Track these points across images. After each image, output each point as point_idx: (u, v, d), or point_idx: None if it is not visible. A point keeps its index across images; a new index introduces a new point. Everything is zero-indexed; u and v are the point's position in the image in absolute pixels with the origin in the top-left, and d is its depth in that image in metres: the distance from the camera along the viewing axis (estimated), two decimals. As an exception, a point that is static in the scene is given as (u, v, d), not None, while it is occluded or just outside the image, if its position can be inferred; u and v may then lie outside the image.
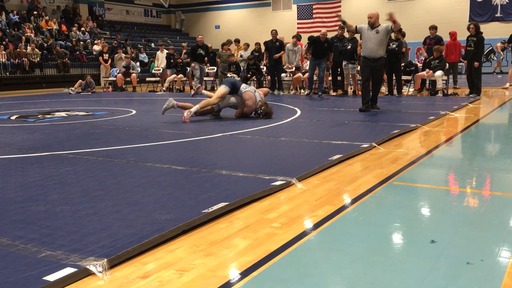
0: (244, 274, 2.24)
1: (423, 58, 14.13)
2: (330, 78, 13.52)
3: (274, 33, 13.68)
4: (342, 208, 3.20)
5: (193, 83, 15.44)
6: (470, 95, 11.57)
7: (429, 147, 5.31)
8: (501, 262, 2.32)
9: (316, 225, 2.88)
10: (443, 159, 4.84)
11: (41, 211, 3.10)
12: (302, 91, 14.05)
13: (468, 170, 4.40)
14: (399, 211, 3.16)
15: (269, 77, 14.42)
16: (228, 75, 15.11)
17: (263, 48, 15.07)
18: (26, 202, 3.31)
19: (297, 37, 14.44)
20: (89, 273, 2.22)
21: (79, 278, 2.19)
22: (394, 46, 11.70)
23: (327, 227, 2.86)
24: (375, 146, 5.32)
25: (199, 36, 15.27)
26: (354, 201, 3.36)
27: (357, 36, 12.46)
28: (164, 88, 16.08)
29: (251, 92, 7.84)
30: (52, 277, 2.12)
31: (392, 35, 10.80)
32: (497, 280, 2.13)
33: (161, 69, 16.71)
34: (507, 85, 14.27)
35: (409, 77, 13.07)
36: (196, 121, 7.73)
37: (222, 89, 7.82)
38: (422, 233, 2.73)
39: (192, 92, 8.37)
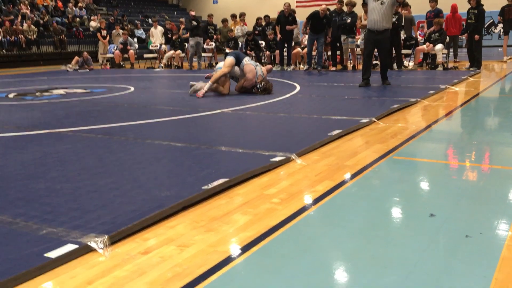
0: (244, 249, 2.25)
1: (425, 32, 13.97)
2: (329, 53, 13.39)
3: (287, 6, 12.94)
4: (342, 183, 3.21)
5: (194, 59, 15.17)
6: (470, 69, 11.49)
7: (428, 122, 5.29)
8: (500, 235, 2.33)
9: (316, 200, 2.89)
10: (442, 133, 4.83)
11: (41, 188, 3.10)
12: (301, 66, 13.94)
13: (468, 144, 4.40)
14: (399, 186, 3.17)
15: (267, 52, 14.26)
16: (226, 50, 14.98)
17: (260, 23, 14.85)
18: (26, 179, 3.31)
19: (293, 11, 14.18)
20: (90, 250, 2.24)
21: (80, 254, 2.20)
22: (394, 19, 11.54)
23: (326, 202, 2.87)
24: (374, 121, 5.30)
25: (191, 12, 15.00)
26: (353, 176, 3.36)
27: (356, 10, 12.34)
28: (162, 65, 15.96)
29: (252, 65, 7.80)
30: (53, 254, 2.14)
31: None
32: (496, 252, 2.15)
33: (158, 45, 16.53)
34: (505, 58, 14.16)
35: (409, 51, 12.96)
36: (196, 97, 7.70)
37: (228, 59, 7.83)
38: (421, 207, 2.74)
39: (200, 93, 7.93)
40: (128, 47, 16.24)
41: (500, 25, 23.14)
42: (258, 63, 8.07)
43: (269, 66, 8.99)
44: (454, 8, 12.75)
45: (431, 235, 2.35)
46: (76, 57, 15.88)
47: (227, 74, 7.85)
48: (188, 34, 15.03)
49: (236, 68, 7.88)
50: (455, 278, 1.93)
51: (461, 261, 2.08)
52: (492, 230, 2.40)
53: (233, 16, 17.07)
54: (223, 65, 7.85)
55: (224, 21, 16.27)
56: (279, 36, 13.11)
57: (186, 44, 15.87)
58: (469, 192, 3.01)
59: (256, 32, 14.65)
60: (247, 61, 7.84)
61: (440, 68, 11.90)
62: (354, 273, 2.01)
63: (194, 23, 14.23)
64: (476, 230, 2.38)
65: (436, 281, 1.91)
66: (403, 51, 12.71)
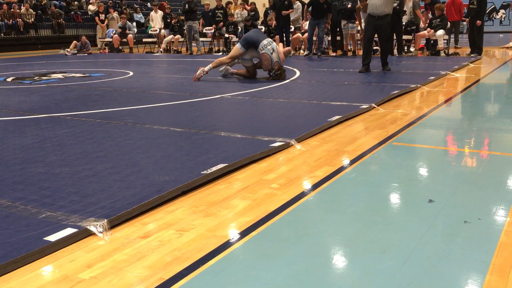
0: (243, 234, 2.26)
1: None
2: (329, 38, 13.29)
3: None
4: (341, 168, 3.21)
5: (194, 44, 15.02)
6: (471, 55, 11.43)
7: (428, 108, 5.28)
8: (498, 221, 2.34)
9: (315, 186, 2.89)
10: (442, 120, 4.83)
11: (40, 172, 3.10)
12: (301, 51, 13.86)
13: (467, 130, 4.39)
14: (398, 171, 3.17)
15: (277, 36, 14.17)
16: (226, 35, 14.86)
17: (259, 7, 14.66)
18: (25, 163, 3.31)
19: None
20: (89, 233, 2.24)
21: (80, 238, 2.21)
22: (395, 4, 11.43)
23: (326, 188, 2.87)
24: (374, 107, 5.29)
25: None
26: (353, 161, 3.36)
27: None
28: (161, 49, 15.86)
29: (268, 54, 7.58)
30: (53, 237, 2.14)
31: None
32: (494, 238, 2.16)
33: (158, 30, 16.41)
34: (511, 44, 14.08)
35: (410, 37, 12.87)
36: (195, 82, 7.67)
37: (236, 49, 7.68)
38: (420, 193, 2.74)
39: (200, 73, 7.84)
40: (127, 31, 16.13)
41: (502, 11, 23.02)
42: (274, 48, 7.69)
43: (287, 48, 8.54)
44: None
45: (430, 220, 2.35)
46: (75, 41, 15.78)
47: (250, 59, 7.76)
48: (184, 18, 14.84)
49: (254, 53, 7.71)
50: (453, 263, 1.94)
51: (459, 247, 2.08)
52: (490, 216, 2.40)
53: None
54: (229, 54, 7.78)
55: (228, 3, 16.08)
56: (274, 22, 12.98)
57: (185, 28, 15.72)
58: (468, 178, 3.01)
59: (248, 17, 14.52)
60: (262, 49, 7.56)
61: (442, 54, 11.82)
62: (353, 258, 2.02)
63: (186, 6, 14.04)
64: (475, 216, 2.39)
65: (434, 266, 1.92)
66: (404, 37, 12.62)
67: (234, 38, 14.93)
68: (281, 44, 8.74)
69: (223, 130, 4.21)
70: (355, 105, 5.24)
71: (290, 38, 13.59)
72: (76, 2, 21.39)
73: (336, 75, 8.26)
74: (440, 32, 11.63)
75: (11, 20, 17.75)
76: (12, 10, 17.95)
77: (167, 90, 6.95)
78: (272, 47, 7.69)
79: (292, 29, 13.72)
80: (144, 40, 16.98)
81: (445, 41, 11.97)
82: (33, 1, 19.55)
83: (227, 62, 7.77)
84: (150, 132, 4.21)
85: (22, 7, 18.50)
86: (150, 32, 16.95)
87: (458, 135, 4.23)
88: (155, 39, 16.67)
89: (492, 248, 2.06)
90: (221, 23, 15.00)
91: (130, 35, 16.08)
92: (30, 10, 18.64)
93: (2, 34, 17.61)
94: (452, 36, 13.08)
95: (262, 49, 7.60)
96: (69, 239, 2.17)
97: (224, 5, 15.78)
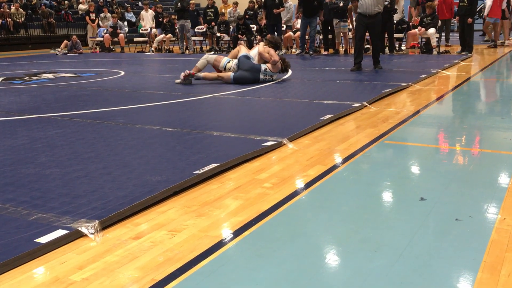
0: (236, 233, 2.25)
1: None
2: (321, 37, 13.31)
3: None
4: (333, 167, 3.21)
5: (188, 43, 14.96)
6: (462, 53, 11.50)
7: (420, 106, 5.30)
8: (489, 218, 2.35)
9: (307, 185, 2.89)
10: (433, 118, 4.85)
11: (31, 174, 3.07)
12: (293, 50, 13.87)
13: (458, 128, 4.41)
14: (390, 170, 3.18)
15: (259, 37, 14.16)
16: (218, 34, 14.83)
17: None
18: (15, 165, 3.28)
19: None
20: (80, 235, 2.23)
21: (71, 239, 2.19)
22: (387, 3, 11.46)
23: (318, 187, 2.87)
24: (366, 106, 5.30)
25: None
26: (345, 160, 3.37)
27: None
28: (153, 49, 15.79)
29: (272, 79, 7.45)
30: (43, 239, 2.13)
31: None
32: (485, 236, 2.17)
33: (149, 29, 16.33)
34: (507, 42, 14.15)
35: (401, 35, 12.92)
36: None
37: (227, 77, 7.34)
38: (412, 191, 2.75)
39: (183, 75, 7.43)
40: (118, 30, 16.04)
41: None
42: (272, 74, 7.44)
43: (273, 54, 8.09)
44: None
45: (422, 218, 2.36)
46: (65, 41, 15.67)
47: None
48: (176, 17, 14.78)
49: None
50: (445, 261, 1.95)
51: (451, 244, 2.09)
52: (481, 213, 2.42)
53: None
54: (221, 75, 7.45)
55: (214, 3, 16.03)
56: (263, 21, 12.96)
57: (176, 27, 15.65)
58: (459, 176, 3.03)
59: (247, 16, 14.49)
60: (264, 81, 7.31)
61: (435, 52, 11.86)
62: (345, 257, 2.02)
63: (178, 5, 13.96)
64: (466, 214, 2.40)
65: (426, 264, 1.93)
66: (395, 35, 12.66)
67: (226, 37, 14.90)
68: (255, 53, 7.89)
69: (215, 129, 4.20)
70: (347, 104, 5.25)
71: (282, 37, 13.58)
72: (66, 2, 21.23)
73: (328, 74, 8.28)
74: (432, 30, 11.68)
75: (0, 20, 17.57)
76: (1, 9, 17.78)
77: (159, 89, 6.92)
78: (269, 74, 7.41)
79: (284, 27, 13.72)
80: (135, 39, 16.88)
81: (436, 39, 12.02)
82: (23, 1, 19.38)
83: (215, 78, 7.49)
84: (141, 132, 4.19)
85: (12, 7, 18.33)
86: (141, 31, 16.85)
87: (449, 133, 4.25)
88: (146, 39, 16.59)
89: (483, 246, 2.07)
90: (213, 22, 14.96)
91: (121, 35, 16.00)
92: (20, 9, 18.47)
93: (-9, 34, 17.45)
94: (443, 34, 13.13)
95: (263, 82, 7.35)
96: (60, 241, 2.15)
97: (213, 4, 15.72)
